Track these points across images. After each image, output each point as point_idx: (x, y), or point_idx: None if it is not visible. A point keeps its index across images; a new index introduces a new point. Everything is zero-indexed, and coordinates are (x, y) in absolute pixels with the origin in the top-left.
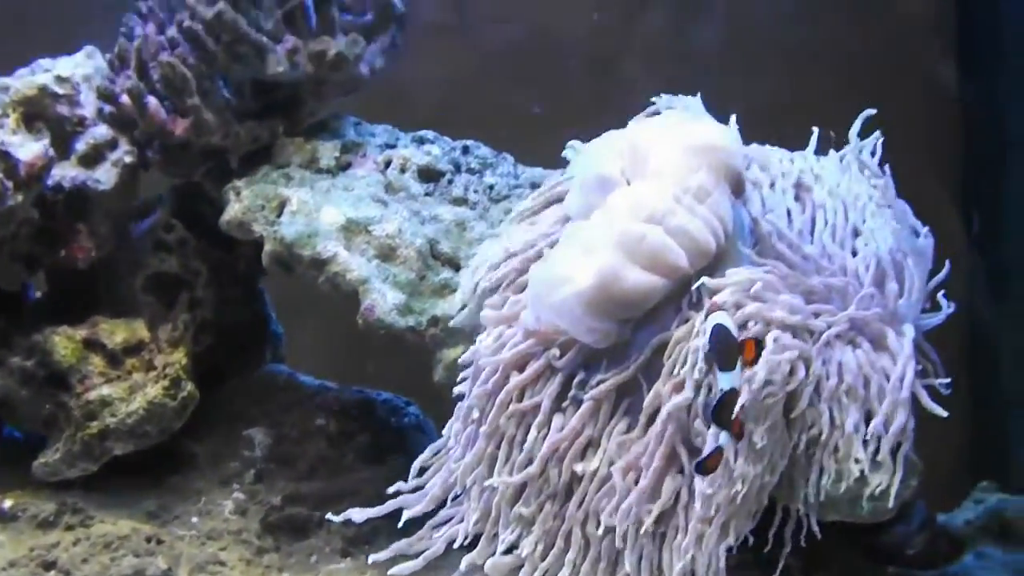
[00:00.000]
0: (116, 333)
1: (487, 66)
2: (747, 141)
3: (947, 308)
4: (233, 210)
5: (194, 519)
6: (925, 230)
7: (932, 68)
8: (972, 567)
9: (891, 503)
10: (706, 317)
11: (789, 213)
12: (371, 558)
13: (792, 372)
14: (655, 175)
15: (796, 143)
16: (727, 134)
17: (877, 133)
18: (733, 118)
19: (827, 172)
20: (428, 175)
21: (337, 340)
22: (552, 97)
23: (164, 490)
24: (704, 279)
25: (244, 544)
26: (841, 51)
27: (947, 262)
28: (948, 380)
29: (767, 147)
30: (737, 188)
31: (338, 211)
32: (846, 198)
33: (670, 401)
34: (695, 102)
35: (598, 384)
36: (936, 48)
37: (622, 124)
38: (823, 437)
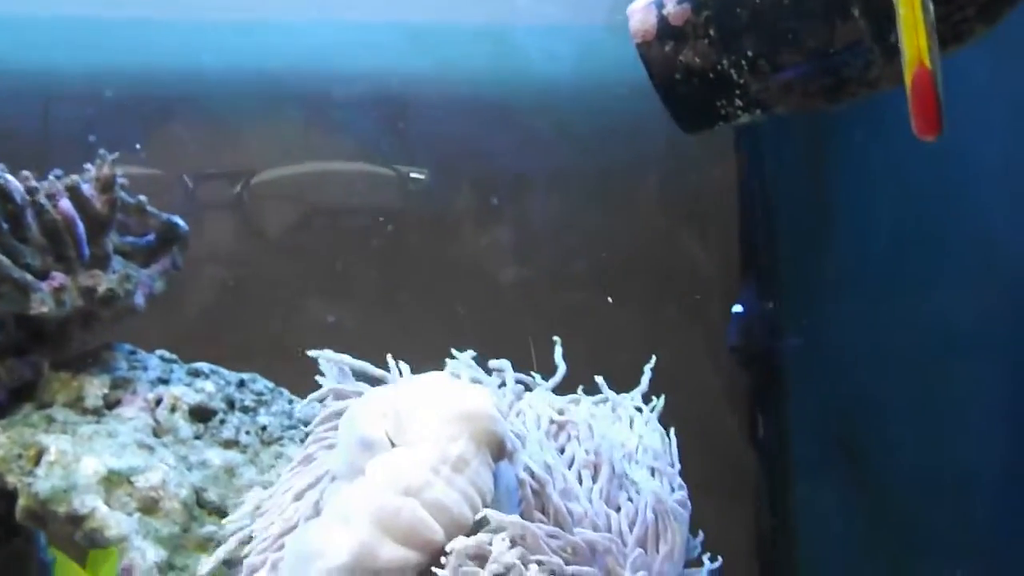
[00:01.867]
0: None
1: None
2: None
3: (709, 565)
4: None
5: None
6: (681, 487)
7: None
8: None
9: None
10: None
11: (553, 469)
12: None
13: None
14: (416, 443)
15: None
16: (490, 400)
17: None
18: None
19: (599, 422)
20: (199, 415)
21: None
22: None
23: None
24: (453, 544)
25: None
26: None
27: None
28: None
29: (541, 392)
30: (499, 453)
31: (99, 461)
32: (615, 450)
33: None
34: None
35: None
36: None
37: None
38: None
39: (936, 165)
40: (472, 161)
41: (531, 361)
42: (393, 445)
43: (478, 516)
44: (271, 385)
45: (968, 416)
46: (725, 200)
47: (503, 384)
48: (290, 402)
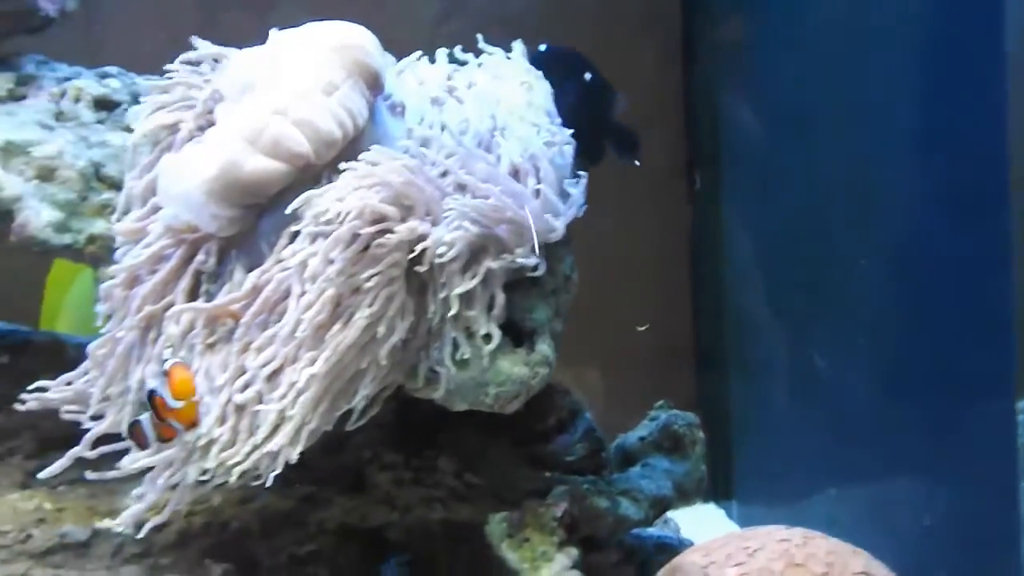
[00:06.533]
0: None
1: None
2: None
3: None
4: None
5: None
6: (562, 132)
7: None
8: (633, 475)
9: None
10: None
11: (435, 125)
12: (40, 474)
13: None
14: (288, 75)
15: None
16: (363, 33)
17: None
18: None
19: (482, 83)
20: (103, 105)
21: None
22: None
23: None
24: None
25: None
26: None
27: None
28: None
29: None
30: (374, 85)
31: None
32: (495, 103)
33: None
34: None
35: (230, 273)
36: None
37: None
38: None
39: None
40: None
41: None
42: None
43: (349, 136)
44: None
45: None
46: None
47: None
48: None
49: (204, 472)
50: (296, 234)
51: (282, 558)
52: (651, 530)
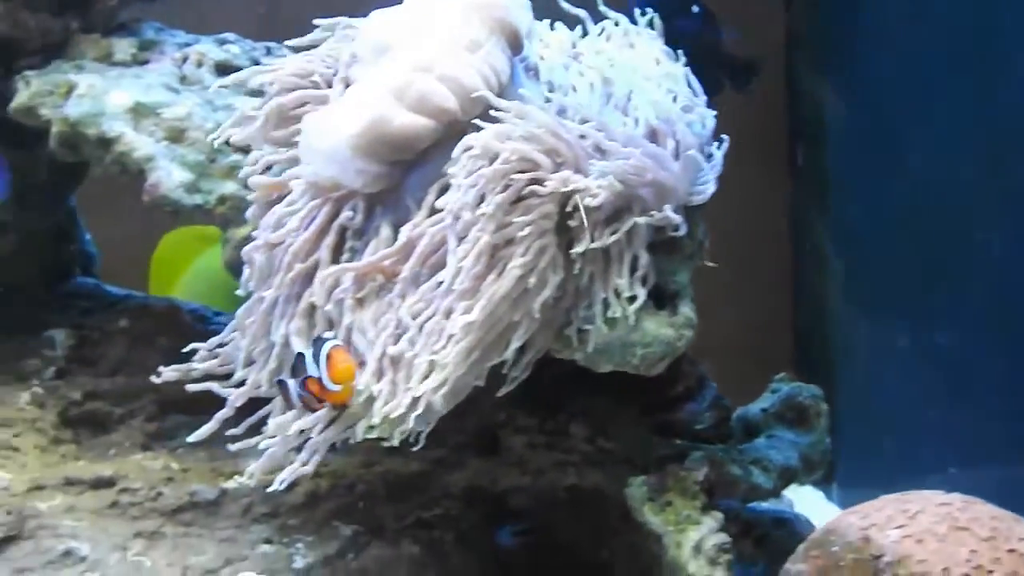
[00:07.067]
0: None
1: None
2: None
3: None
4: (21, 97)
5: None
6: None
7: None
8: (761, 445)
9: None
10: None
11: (575, 88)
12: (189, 438)
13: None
14: (430, 33)
15: None
16: None
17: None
18: None
19: (612, 47)
20: (225, 70)
21: None
22: None
23: None
24: (493, 98)
25: (39, 433)
26: None
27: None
28: None
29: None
30: (515, 43)
31: (127, 95)
32: (629, 71)
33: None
34: None
35: (376, 229)
36: None
37: None
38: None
39: None
40: None
41: None
42: None
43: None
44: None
45: None
46: None
47: None
48: None
49: (370, 428)
50: (445, 189)
51: (408, 521)
52: (765, 505)
